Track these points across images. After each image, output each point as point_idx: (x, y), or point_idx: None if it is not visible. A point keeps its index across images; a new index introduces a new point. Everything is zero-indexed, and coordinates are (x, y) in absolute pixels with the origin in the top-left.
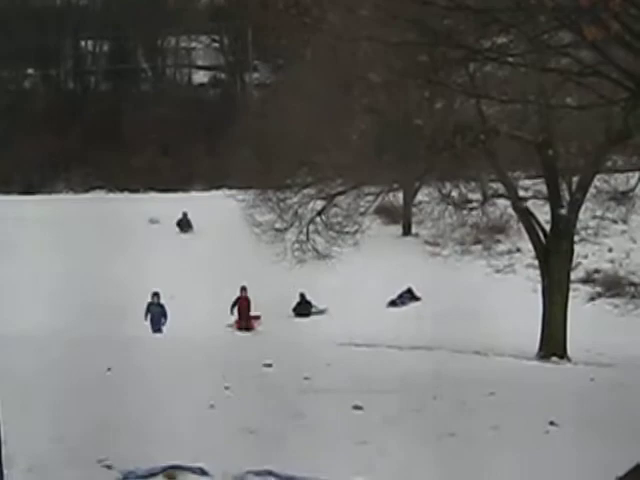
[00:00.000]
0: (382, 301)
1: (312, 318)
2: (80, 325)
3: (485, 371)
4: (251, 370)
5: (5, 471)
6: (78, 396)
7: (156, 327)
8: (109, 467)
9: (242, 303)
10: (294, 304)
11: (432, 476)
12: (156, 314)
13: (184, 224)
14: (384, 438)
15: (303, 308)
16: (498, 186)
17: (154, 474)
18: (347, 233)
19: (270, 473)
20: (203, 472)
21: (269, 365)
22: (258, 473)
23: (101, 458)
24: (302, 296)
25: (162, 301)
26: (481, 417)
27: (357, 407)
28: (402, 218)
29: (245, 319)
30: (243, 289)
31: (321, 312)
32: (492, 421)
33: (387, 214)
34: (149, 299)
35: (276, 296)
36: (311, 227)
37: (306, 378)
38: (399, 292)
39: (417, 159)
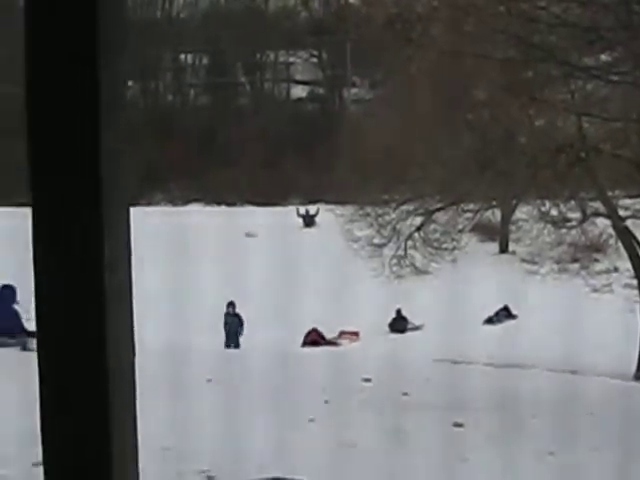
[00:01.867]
0: (478, 318)
1: (408, 334)
2: (173, 337)
3: (582, 391)
4: (350, 384)
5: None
6: (178, 406)
7: (231, 340)
8: (210, 478)
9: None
10: (390, 320)
11: None
12: (232, 325)
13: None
14: (486, 456)
15: (399, 324)
16: (598, 205)
17: None
18: (445, 249)
19: None
20: None
21: (368, 380)
22: None
23: (204, 469)
24: (398, 312)
25: (238, 311)
26: (581, 437)
27: (457, 424)
28: (499, 235)
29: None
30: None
31: (417, 328)
32: (592, 442)
33: (484, 231)
34: (224, 309)
35: (372, 311)
36: (409, 243)
37: (405, 394)
38: (495, 310)
39: (517, 177)
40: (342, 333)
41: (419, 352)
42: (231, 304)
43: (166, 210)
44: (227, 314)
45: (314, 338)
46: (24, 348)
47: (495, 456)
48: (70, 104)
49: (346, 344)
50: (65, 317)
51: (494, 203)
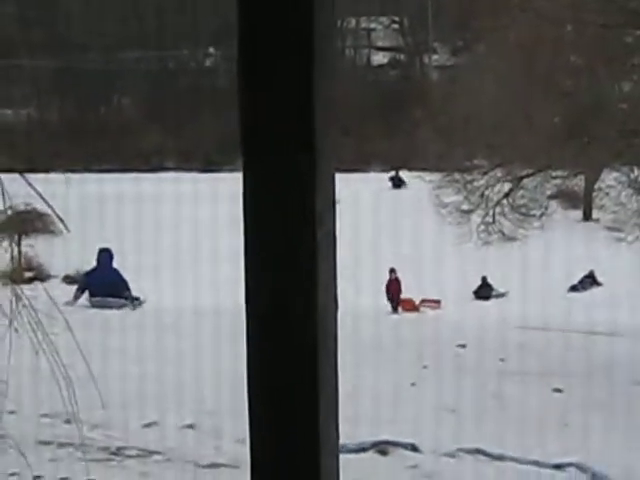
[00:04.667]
0: (563, 286)
1: (492, 301)
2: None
3: None
4: (445, 350)
5: (218, 442)
6: None
7: None
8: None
9: (392, 285)
10: (475, 287)
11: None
12: None
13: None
14: (588, 421)
15: (484, 291)
16: None
17: (364, 449)
18: (533, 216)
19: (479, 451)
20: (414, 448)
21: (463, 346)
22: (468, 451)
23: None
24: (484, 279)
25: None
26: None
27: (557, 390)
28: (583, 203)
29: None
30: (391, 271)
31: (502, 295)
32: None
33: (567, 198)
34: None
35: (458, 278)
36: (497, 209)
37: (501, 359)
38: (580, 277)
39: (607, 144)
40: (423, 301)
41: (505, 319)
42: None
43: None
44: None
45: (405, 305)
46: (134, 307)
47: (596, 421)
48: (283, 49)
49: (427, 312)
50: (275, 272)
51: (582, 170)
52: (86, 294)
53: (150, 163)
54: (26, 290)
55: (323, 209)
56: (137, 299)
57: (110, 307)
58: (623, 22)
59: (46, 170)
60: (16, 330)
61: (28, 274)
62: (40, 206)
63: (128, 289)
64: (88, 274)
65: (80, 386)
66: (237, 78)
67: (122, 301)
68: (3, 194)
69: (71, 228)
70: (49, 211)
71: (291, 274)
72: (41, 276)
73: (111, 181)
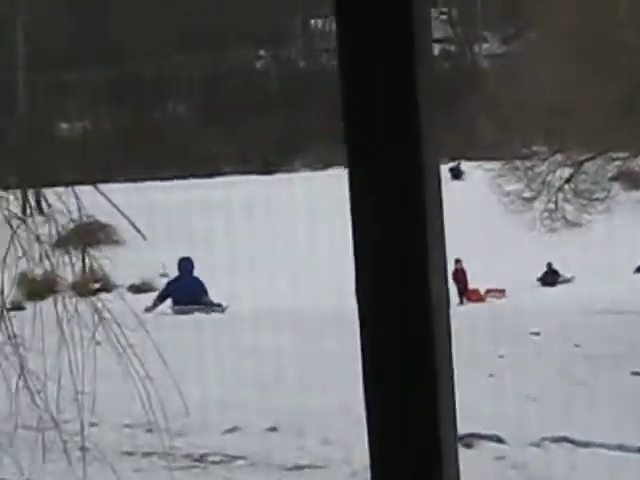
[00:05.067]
0: (629, 267)
1: (559, 287)
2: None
3: None
4: (519, 339)
5: (301, 443)
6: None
7: None
8: None
9: (458, 276)
10: (541, 274)
11: None
12: None
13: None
14: None
15: (550, 277)
16: None
17: None
18: (597, 200)
19: (566, 439)
20: (499, 440)
21: (537, 333)
22: (554, 440)
23: None
24: (549, 265)
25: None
26: None
27: (636, 373)
28: None
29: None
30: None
31: (568, 280)
32: None
33: (628, 179)
34: None
35: (524, 266)
36: (560, 195)
37: (576, 345)
38: None
39: None
40: (489, 291)
41: (574, 304)
42: None
43: (305, 176)
44: None
45: (471, 295)
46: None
47: None
48: (384, 51)
49: (494, 301)
50: (386, 271)
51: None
52: (169, 302)
53: (207, 168)
54: (96, 300)
55: (432, 206)
56: (219, 305)
57: (192, 313)
58: None
59: (106, 180)
60: (98, 343)
61: (95, 285)
62: (103, 217)
63: (207, 296)
64: (171, 283)
65: (163, 394)
66: (339, 76)
67: (204, 307)
68: (78, 208)
69: (132, 237)
70: (111, 222)
71: (403, 271)
72: (107, 287)
73: (170, 188)
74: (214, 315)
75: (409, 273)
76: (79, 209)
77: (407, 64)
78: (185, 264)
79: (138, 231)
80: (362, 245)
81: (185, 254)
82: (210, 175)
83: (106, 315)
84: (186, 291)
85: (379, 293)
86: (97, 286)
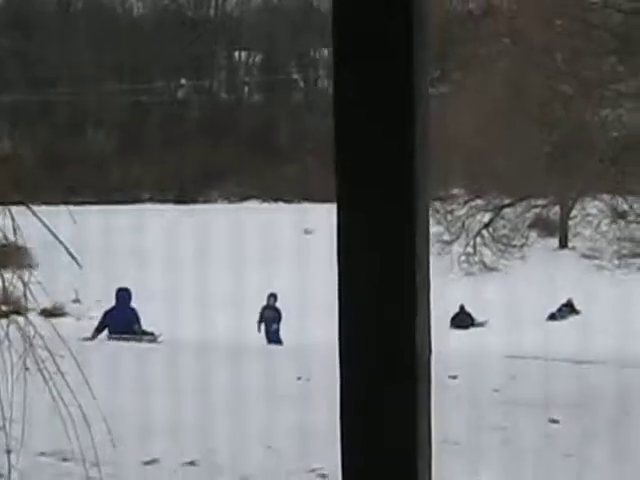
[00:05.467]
0: (543, 314)
1: (471, 330)
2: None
3: None
4: (437, 381)
5: (221, 479)
6: (277, 405)
7: (270, 335)
8: (324, 476)
9: None
10: (452, 315)
11: None
12: (269, 320)
13: None
14: (588, 451)
15: (461, 320)
16: None
17: None
18: (514, 246)
19: None
20: None
21: (454, 377)
22: None
23: (315, 467)
24: (462, 308)
25: (278, 305)
26: None
27: (553, 421)
28: (559, 231)
29: None
30: None
31: (481, 324)
32: None
33: (544, 227)
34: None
35: (436, 309)
36: (478, 239)
37: (495, 390)
38: (559, 305)
39: (585, 172)
40: None
41: (487, 348)
42: (272, 296)
43: (222, 207)
44: (265, 307)
45: None
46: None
47: (596, 452)
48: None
49: None
50: (372, 308)
51: (562, 199)
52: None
53: (125, 195)
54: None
55: (421, 252)
56: (152, 334)
57: (128, 341)
58: (613, 49)
59: (22, 203)
60: (27, 368)
61: (4, 307)
62: (18, 239)
63: (140, 326)
64: (107, 312)
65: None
66: (333, 95)
67: (137, 337)
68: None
69: (45, 261)
70: (26, 244)
71: (390, 310)
72: (19, 310)
73: (85, 213)
74: (149, 345)
75: (397, 317)
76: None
77: (405, 105)
78: (122, 294)
79: (73, 257)
80: (345, 279)
81: (100, 280)
82: (127, 202)
83: (36, 341)
84: (123, 321)
85: (360, 333)
86: (8, 309)
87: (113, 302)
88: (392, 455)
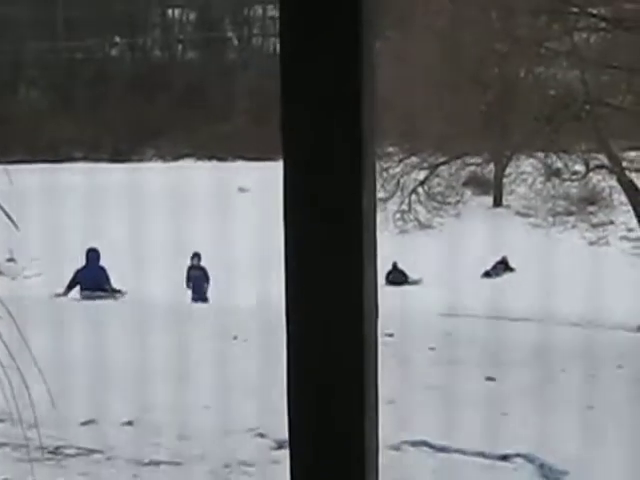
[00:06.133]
0: (477, 272)
1: (405, 288)
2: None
3: (598, 343)
4: None
5: (158, 439)
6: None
7: (197, 295)
8: (262, 435)
9: None
10: (386, 273)
11: (581, 447)
12: (197, 279)
13: None
14: (524, 410)
15: (395, 277)
16: (601, 157)
17: None
18: (449, 204)
19: (425, 443)
20: None
21: (391, 335)
22: (413, 443)
23: (252, 427)
24: (394, 265)
25: (203, 264)
26: (615, 390)
27: (490, 378)
28: (493, 189)
29: None
30: None
31: (416, 282)
32: (627, 394)
33: (479, 185)
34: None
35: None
36: (413, 197)
37: (431, 348)
38: (493, 263)
39: (520, 130)
40: None
41: (422, 306)
42: (196, 255)
43: (157, 166)
44: (191, 267)
45: None
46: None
47: (532, 410)
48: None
49: None
50: (318, 278)
51: (495, 156)
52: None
53: (58, 153)
54: None
55: (367, 209)
56: (119, 291)
57: (98, 299)
58: (548, 8)
59: None
60: None
61: None
62: None
63: (110, 284)
64: (79, 271)
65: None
66: (280, 60)
67: (108, 294)
68: None
69: None
70: None
71: (336, 278)
72: None
73: (16, 172)
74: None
75: (342, 286)
76: None
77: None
78: (92, 254)
79: (10, 219)
80: (292, 248)
81: (34, 239)
82: (60, 161)
83: None
84: (92, 279)
85: (305, 300)
86: None
87: (49, 260)
88: (340, 423)
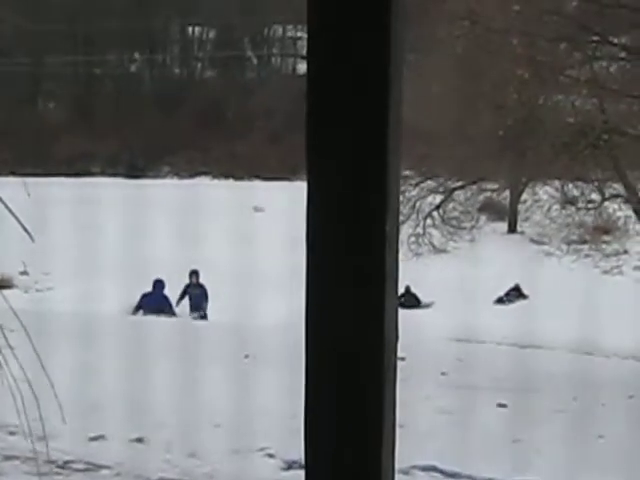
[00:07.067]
0: (490, 298)
1: (417, 311)
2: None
3: (610, 372)
4: None
5: (168, 456)
6: (224, 385)
7: (196, 312)
8: (271, 456)
9: None
10: (398, 295)
11: (591, 476)
12: (197, 297)
13: None
14: (535, 437)
15: (407, 300)
16: (617, 186)
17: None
18: (464, 229)
19: (435, 468)
20: None
21: (402, 359)
22: (423, 468)
23: (262, 447)
24: (407, 289)
25: (202, 281)
26: (626, 420)
27: (501, 405)
28: (508, 215)
29: None
30: None
31: (428, 306)
32: (638, 423)
33: (492, 211)
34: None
35: None
36: (428, 221)
37: (443, 373)
38: (506, 289)
39: (537, 157)
40: None
41: (434, 331)
42: (194, 273)
43: (173, 183)
44: (189, 285)
45: None
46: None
47: (543, 437)
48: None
49: None
50: (340, 305)
51: (511, 182)
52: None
53: (75, 167)
54: None
55: (391, 232)
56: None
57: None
58: (568, 35)
59: None
60: None
61: None
62: None
63: (173, 313)
64: (145, 296)
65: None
66: (307, 79)
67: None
68: None
69: None
70: None
71: (359, 292)
72: None
73: (34, 185)
74: None
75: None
76: None
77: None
78: (158, 285)
79: (26, 230)
80: (315, 263)
81: (49, 252)
82: (77, 175)
83: None
84: (156, 305)
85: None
86: None
87: (61, 274)
88: (358, 448)
